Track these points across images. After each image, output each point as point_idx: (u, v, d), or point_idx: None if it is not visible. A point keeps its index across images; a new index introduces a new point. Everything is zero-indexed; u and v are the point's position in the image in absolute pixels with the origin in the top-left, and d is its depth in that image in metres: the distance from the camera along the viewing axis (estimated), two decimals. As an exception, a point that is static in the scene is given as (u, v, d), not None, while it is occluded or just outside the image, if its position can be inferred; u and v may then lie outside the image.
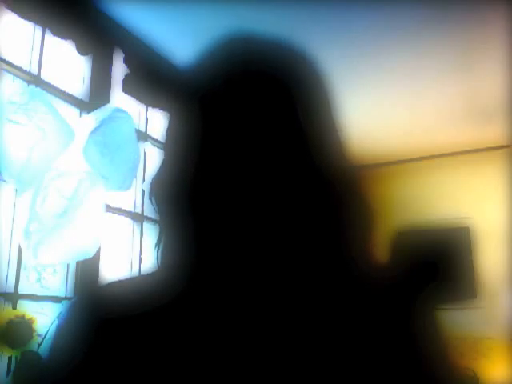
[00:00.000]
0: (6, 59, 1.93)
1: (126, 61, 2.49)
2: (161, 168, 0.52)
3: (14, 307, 1.81)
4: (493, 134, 3.78)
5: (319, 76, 0.54)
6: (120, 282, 0.53)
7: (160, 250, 0.51)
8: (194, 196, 0.48)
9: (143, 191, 2.53)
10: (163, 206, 0.51)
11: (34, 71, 2.05)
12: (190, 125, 0.51)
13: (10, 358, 1.71)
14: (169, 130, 0.53)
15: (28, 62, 2.04)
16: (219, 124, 0.49)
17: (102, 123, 1.82)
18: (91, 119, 1.85)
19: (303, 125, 0.49)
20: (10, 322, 1.54)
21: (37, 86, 1.96)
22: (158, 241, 0.51)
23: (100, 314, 0.49)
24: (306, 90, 0.51)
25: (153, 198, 0.52)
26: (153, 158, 2.66)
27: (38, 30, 2.10)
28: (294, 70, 0.52)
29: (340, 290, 0.48)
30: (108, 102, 2.37)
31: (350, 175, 0.53)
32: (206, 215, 0.48)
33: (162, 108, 2.67)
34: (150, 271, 0.53)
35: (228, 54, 0.52)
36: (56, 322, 0.50)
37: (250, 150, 0.48)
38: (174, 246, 0.50)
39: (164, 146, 0.54)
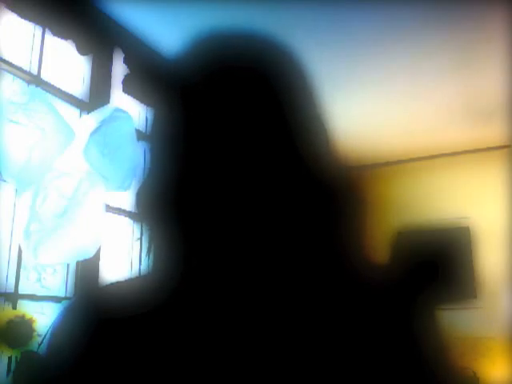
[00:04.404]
0: (6, 59, 1.93)
1: (125, 61, 2.49)
2: (147, 174, 0.52)
3: (14, 307, 1.81)
4: (493, 133, 3.78)
5: (301, 70, 0.53)
6: (117, 283, 0.53)
7: (151, 254, 0.51)
8: (178, 198, 0.48)
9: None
10: (149, 211, 0.51)
11: (34, 71, 2.05)
12: (170, 121, 0.50)
13: (10, 358, 1.71)
14: (152, 126, 0.53)
15: (28, 62, 2.04)
16: (200, 121, 0.48)
17: (102, 123, 1.82)
18: (91, 119, 1.85)
19: (286, 118, 0.48)
20: (10, 322, 1.54)
21: (37, 86, 1.96)
22: (149, 246, 0.51)
23: (97, 314, 0.49)
24: (287, 83, 0.51)
25: (139, 205, 0.52)
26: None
27: (38, 30, 2.10)
28: (273, 63, 0.51)
29: (339, 290, 0.48)
30: (108, 102, 2.37)
31: (340, 171, 0.52)
32: (192, 216, 0.47)
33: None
34: (145, 273, 0.53)
35: (207, 49, 0.52)
36: (54, 322, 0.50)
37: (233, 146, 0.47)
38: (164, 250, 0.50)
39: (149, 144, 0.54)
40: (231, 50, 0.51)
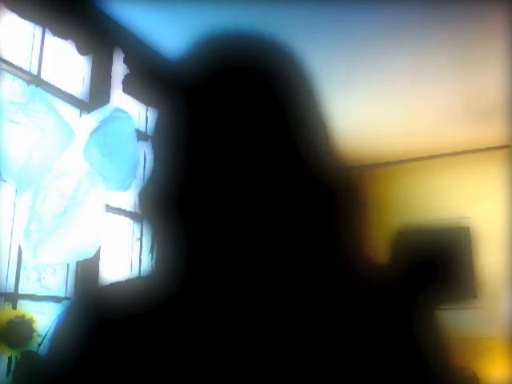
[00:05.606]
0: (6, 59, 1.93)
1: (125, 61, 2.49)
2: (149, 174, 0.52)
3: (14, 307, 1.81)
4: (493, 133, 3.78)
5: (301, 70, 0.54)
6: (118, 283, 0.53)
7: (154, 254, 0.51)
8: (181, 198, 0.48)
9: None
10: (152, 211, 0.51)
11: (34, 71, 2.05)
12: (174, 122, 0.50)
13: (9, 358, 1.71)
14: (156, 127, 0.53)
15: (28, 62, 2.04)
16: (202, 122, 0.48)
17: (102, 123, 1.82)
18: (91, 119, 1.85)
19: (286, 118, 0.49)
20: (10, 322, 1.54)
21: (37, 86, 1.96)
22: (152, 246, 0.51)
23: (98, 314, 0.49)
24: (288, 83, 0.51)
25: (142, 206, 0.52)
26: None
27: (38, 30, 2.10)
28: (274, 64, 0.52)
29: (339, 290, 0.48)
30: (108, 102, 2.37)
31: (340, 171, 0.52)
32: (194, 217, 0.47)
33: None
34: (147, 273, 0.53)
35: (209, 50, 0.52)
36: (55, 322, 0.50)
37: (235, 147, 0.47)
38: (167, 250, 0.50)
39: (151, 144, 0.54)
40: (233, 51, 0.52)
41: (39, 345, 1.60)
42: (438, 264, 3.87)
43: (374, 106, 3.38)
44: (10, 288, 1.85)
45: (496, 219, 3.83)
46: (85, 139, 1.77)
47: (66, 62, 2.29)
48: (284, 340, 0.45)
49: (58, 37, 2.13)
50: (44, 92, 1.88)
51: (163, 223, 0.50)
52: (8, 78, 1.94)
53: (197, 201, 0.47)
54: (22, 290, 1.89)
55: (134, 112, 2.53)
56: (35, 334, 1.58)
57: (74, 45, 2.21)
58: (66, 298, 2.09)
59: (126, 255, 2.54)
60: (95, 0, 2.29)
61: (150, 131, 2.72)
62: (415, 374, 0.46)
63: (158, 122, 0.53)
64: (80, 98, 2.29)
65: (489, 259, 3.83)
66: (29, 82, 2.00)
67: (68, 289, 2.12)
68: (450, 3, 2.32)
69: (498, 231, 3.80)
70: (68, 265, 2.10)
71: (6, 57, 1.93)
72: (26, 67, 2.02)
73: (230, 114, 0.48)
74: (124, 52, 2.50)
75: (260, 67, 0.51)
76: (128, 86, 2.50)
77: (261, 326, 0.46)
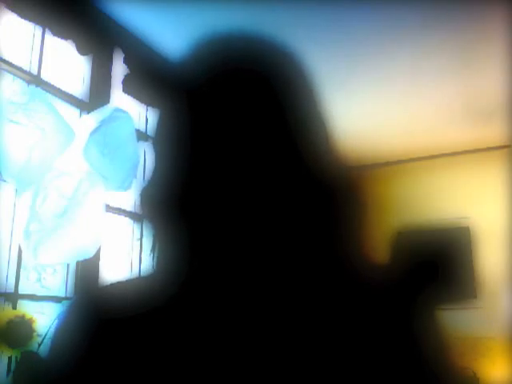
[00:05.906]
0: (6, 59, 1.93)
1: (125, 61, 2.49)
2: (151, 175, 0.52)
3: (14, 307, 1.81)
4: (493, 133, 3.78)
5: (302, 71, 0.54)
6: (118, 283, 0.53)
7: (155, 255, 0.51)
8: (183, 199, 0.48)
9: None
10: (154, 212, 0.51)
11: (34, 71, 2.05)
12: (176, 123, 0.51)
13: (10, 358, 1.71)
14: (157, 127, 0.53)
15: (28, 62, 2.04)
16: (204, 123, 0.49)
17: (102, 123, 1.82)
18: (91, 119, 1.85)
19: (286, 118, 0.49)
20: (10, 322, 1.54)
21: (37, 86, 1.96)
22: (153, 246, 0.51)
23: (98, 314, 0.49)
24: (288, 84, 0.51)
25: (143, 206, 0.52)
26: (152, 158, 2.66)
27: (38, 30, 2.10)
28: (275, 65, 0.52)
29: (339, 290, 0.48)
30: (108, 102, 2.37)
31: (340, 171, 0.52)
32: (196, 217, 0.48)
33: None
34: (148, 273, 0.53)
35: (210, 52, 0.52)
36: (55, 322, 0.50)
37: (236, 148, 0.47)
38: (168, 251, 0.50)
39: (153, 146, 0.54)
40: (234, 52, 0.52)
41: (39, 345, 1.60)
42: (438, 264, 3.87)
43: (374, 106, 3.38)
44: (10, 288, 1.85)
45: (496, 219, 3.83)
46: (85, 139, 1.77)
47: (66, 62, 2.29)
48: (285, 341, 0.45)
49: (58, 37, 2.13)
50: (44, 92, 1.88)
51: (165, 224, 0.50)
52: (8, 78, 1.94)
53: (198, 202, 0.47)
54: (22, 290, 1.89)
55: (134, 112, 2.53)
56: (35, 334, 1.58)
57: (74, 45, 2.21)
58: (66, 298, 2.09)
59: (126, 255, 2.54)
60: (95, 0, 2.29)
61: (150, 131, 2.72)
62: (415, 374, 0.46)
63: (160, 124, 0.53)
64: (80, 97, 2.29)
65: (489, 259, 3.83)
66: (29, 82, 2.00)
67: (68, 289, 2.12)
68: (449, 3, 2.32)
69: (498, 231, 3.80)
70: (68, 265, 2.10)
71: (6, 57, 1.93)
72: (26, 67, 2.02)
73: (231, 115, 0.48)
74: (124, 52, 2.50)
75: (261, 68, 0.51)
76: (128, 86, 2.50)
77: (261, 327, 0.46)
